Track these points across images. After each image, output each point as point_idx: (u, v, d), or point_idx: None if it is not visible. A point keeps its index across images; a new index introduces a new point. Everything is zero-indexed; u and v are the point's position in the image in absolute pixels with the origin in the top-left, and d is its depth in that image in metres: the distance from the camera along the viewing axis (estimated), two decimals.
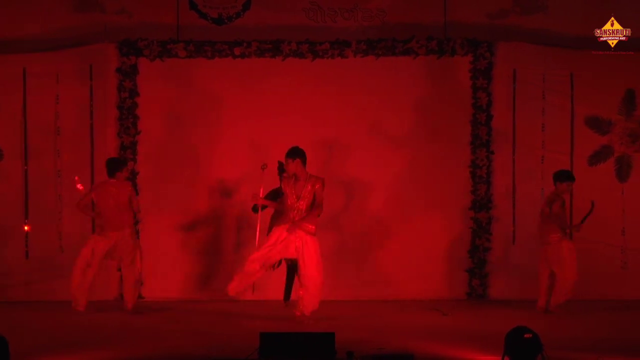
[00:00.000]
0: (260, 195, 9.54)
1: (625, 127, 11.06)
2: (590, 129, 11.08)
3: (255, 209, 9.85)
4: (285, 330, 7.54)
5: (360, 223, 11.12)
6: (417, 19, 11.10)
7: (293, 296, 9.99)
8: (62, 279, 10.06)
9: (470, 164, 11.03)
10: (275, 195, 9.81)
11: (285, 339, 6.90)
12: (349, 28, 11.13)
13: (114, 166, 9.95)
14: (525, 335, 6.57)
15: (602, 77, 11.03)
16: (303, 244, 9.07)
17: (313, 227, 9.10)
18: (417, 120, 11.08)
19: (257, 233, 9.41)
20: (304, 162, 9.16)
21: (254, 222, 9.72)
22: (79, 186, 10.28)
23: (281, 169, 9.56)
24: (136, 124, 10.99)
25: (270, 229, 9.67)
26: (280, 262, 9.73)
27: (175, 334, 8.36)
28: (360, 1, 11.16)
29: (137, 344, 7.63)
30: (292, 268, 9.85)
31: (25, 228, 10.94)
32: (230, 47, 10.98)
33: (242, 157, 10.84)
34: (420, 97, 11.09)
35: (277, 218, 9.59)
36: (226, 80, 11.07)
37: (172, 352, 7.22)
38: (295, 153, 9.15)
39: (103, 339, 7.94)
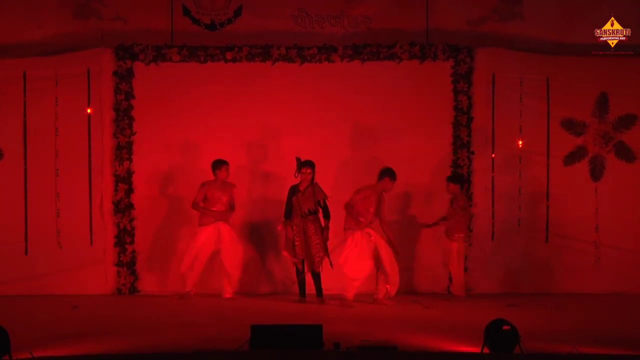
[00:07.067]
0: None
1: (599, 129, 11.06)
2: (566, 130, 11.07)
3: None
4: (275, 323, 7.47)
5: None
6: (401, 26, 11.07)
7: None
8: (60, 274, 9.95)
9: (451, 164, 11.00)
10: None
11: (275, 331, 6.85)
12: (336, 34, 11.10)
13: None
14: (504, 327, 6.58)
15: (577, 81, 11.04)
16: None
17: None
18: (401, 121, 11.04)
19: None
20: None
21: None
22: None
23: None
24: (132, 125, 10.93)
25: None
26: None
27: (168, 326, 8.27)
28: (346, 8, 11.12)
29: (131, 337, 7.54)
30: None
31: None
32: (222, 52, 10.94)
33: (235, 156, 10.78)
34: (404, 100, 11.04)
35: None
36: (218, 83, 11.01)
37: (165, 344, 7.13)
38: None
39: (99, 332, 7.83)
